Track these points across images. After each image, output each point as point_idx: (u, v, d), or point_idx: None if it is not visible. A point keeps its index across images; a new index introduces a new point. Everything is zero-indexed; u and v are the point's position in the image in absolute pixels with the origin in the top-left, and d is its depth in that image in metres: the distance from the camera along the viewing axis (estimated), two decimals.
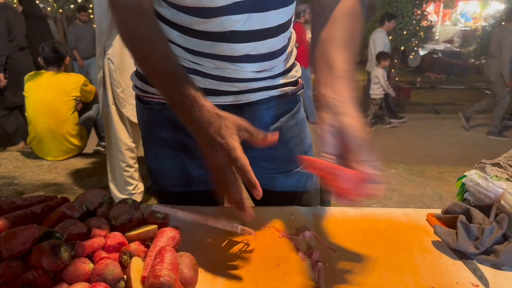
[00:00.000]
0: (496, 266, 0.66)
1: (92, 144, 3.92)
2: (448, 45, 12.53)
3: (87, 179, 3.20)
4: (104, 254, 0.62)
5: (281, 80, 0.92)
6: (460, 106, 7.55)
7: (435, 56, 11.50)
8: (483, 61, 11.38)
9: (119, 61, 2.49)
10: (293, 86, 0.95)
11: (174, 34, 0.81)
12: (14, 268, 0.57)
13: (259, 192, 0.63)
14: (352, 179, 0.56)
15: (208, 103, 0.67)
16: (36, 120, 3.50)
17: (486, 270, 0.65)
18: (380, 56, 5.62)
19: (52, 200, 0.79)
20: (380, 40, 5.85)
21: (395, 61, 7.59)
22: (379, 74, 5.59)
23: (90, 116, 3.76)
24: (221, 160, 0.64)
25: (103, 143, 3.89)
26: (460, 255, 0.69)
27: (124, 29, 0.76)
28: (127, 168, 2.68)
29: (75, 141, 3.72)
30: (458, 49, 12.44)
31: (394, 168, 3.79)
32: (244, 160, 0.63)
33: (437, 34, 14.51)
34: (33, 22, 4.60)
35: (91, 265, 0.59)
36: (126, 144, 2.64)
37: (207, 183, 0.98)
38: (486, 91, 9.31)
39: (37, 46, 4.02)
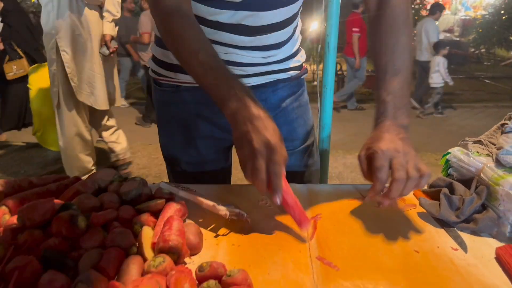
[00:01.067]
0: (475, 233, 0.72)
1: (95, 134, 3.96)
2: (448, 35, 12.44)
3: None
4: (117, 224, 0.68)
5: (287, 64, 0.98)
6: (459, 95, 7.58)
7: None
8: (483, 50, 11.37)
9: (72, 52, 2.63)
10: (297, 71, 1.02)
11: None
12: (36, 236, 0.63)
13: (278, 200, 0.65)
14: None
15: (252, 102, 0.68)
16: (40, 111, 3.55)
17: (466, 236, 0.71)
18: (439, 45, 5.83)
19: (66, 179, 0.85)
20: (434, 30, 6.09)
21: None
22: (440, 62, 5.72)
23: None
24: (255, 154, 0.64)
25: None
26: (443, 224, 0.75)
27: (172, 32, 0.77)
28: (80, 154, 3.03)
29: None
30: (458, 38, 12.39)
31: None
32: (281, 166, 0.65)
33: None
34: (17, 16, 4.63)
35: (105, 233, 0.65)
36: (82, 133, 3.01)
37: (218, 163, 1.05)
38: (486, 80, 9.34)
39: (26, 37, 4.06)
